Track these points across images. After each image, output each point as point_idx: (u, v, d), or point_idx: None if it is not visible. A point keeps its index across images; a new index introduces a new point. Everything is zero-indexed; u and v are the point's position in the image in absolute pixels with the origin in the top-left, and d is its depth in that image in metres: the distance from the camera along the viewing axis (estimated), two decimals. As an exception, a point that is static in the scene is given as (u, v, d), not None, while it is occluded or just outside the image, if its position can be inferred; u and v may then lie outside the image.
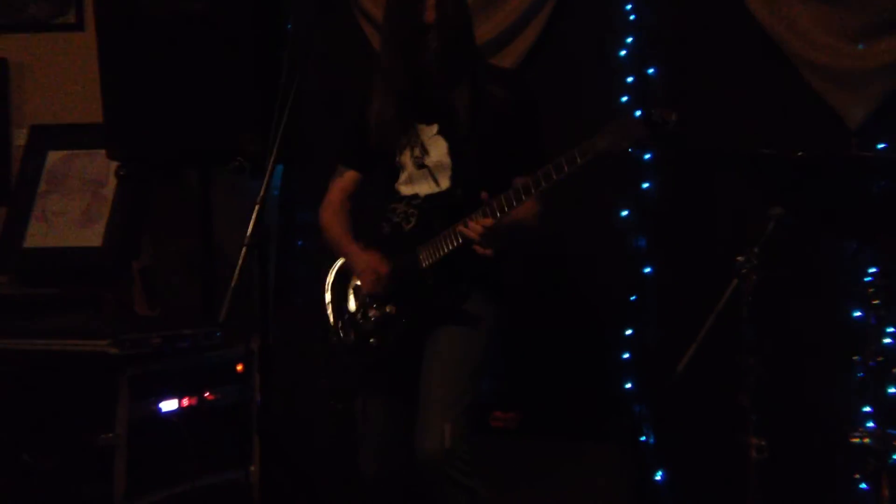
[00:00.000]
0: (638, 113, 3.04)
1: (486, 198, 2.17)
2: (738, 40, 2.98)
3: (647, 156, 3.08)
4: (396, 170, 2.40)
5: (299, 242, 3.48)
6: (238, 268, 2.05)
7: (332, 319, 2.47)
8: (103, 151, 3.19)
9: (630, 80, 3.09)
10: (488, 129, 2.29)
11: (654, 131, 2.00)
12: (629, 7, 3.09)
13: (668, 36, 3.07)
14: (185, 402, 2.77)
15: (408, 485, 2.37)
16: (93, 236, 3.31)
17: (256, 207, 2.12)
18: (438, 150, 2.33)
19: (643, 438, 3.01)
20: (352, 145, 2.51)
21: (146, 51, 3.00)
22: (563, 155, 2.07)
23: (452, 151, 2.32)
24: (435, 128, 2.34)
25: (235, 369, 2.94)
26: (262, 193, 2.14)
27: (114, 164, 3.20)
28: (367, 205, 2.53)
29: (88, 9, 3.56)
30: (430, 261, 2.29)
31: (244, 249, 2.09)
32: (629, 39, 3.09)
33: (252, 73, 2.95)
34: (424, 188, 2.35)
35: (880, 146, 2.74)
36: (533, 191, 2.13)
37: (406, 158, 2.37)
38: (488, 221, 2.15)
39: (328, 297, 2.50)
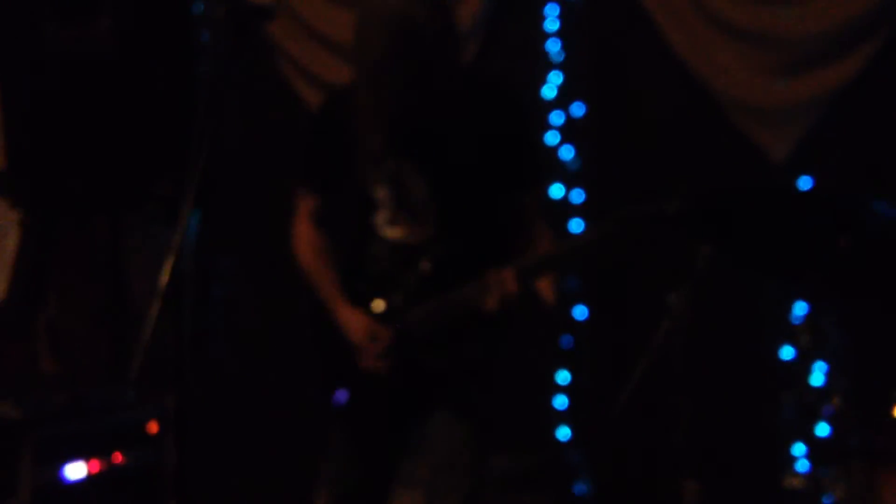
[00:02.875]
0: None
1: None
2: (662, 78, 3.01)
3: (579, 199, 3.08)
4: (372, 205, 2.17)
5: (216, 291, 3.36)
6: (151, 320, 1.92)
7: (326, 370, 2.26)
8: (5, 200, 3.06)
9: (557, 118, 3.09)
10: (475, 164, 2.09)
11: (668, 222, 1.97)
12: (553, 46, 3.10)
13: (593, 74, 3.09)
14: (94, 466, 2.61)
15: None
16: (-6, 290, 3.16)
17: (171, 256, 2.00)
18: (420, 190, 2.12)
19: (579, 488, 2.96)
20: (316, 167, 2.25)
21: (52, 96, 2.91)
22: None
23: (436, 191, 2.11)
24: (416, 165, 2.12)
25: (148, 429, 2.79)
26: (177, 241, 2.01)
27: (16, 214, 3.07)
28: (339, 231, 2.26)
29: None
30: (422, 329, 2.10)
31: (157, 301, 1.96)
32: (554, 78, 3.09)
33: (165, 117, 2.87)
34: (408, 232, 2.13)
35: (802, 181, 2.78)
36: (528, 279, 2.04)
37: (383, 195, 2.14)
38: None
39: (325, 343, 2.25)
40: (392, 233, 2.17)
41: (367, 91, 2.09)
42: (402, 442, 2.18)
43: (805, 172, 2.79)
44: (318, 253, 2.24)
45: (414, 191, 2.14)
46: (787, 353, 2.67)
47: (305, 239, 2.25)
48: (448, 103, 2.09)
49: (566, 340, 3.05)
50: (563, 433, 3.01)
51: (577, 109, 3.09)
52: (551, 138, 3.09)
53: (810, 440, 2.26)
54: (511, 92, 2.27)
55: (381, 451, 2.20)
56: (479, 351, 2.17)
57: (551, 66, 3.10)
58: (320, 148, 2.26)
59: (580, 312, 3.05)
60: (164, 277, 1.92)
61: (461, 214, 2.12)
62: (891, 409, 2.20)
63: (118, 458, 2.68)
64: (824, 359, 2.30)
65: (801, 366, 2.23)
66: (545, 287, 2.13)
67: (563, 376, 3.04)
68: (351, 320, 2.14)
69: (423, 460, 2.12)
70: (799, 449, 2.49)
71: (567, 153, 3.08)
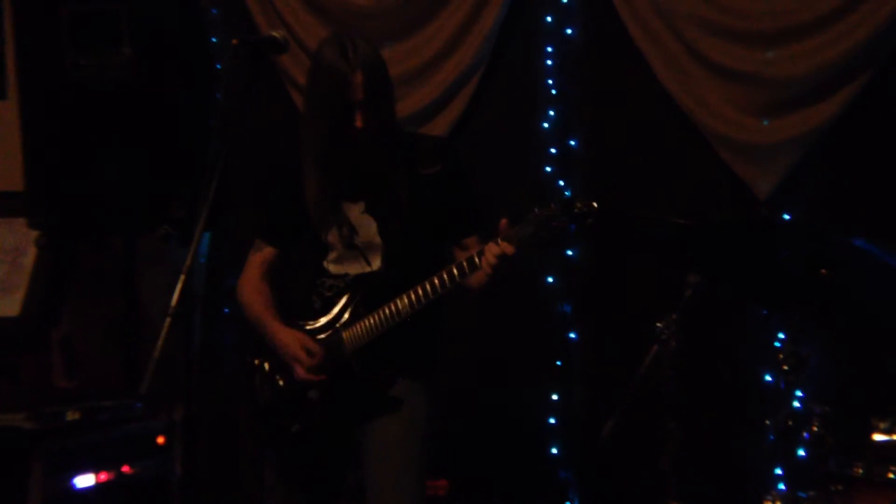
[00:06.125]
0: (566, 193, 3.14)
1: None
2: (653, 113, 3.12)
3: (572, 224, 3.16)
4: (324, 248, 2.34)
5: (226, 309, 3.44)
6: (162, 338, 2.01)
7: (258, 394, 2.38)
8: (23, 220, 3.14)
9: (553, 151, 3.21)
10: (419, 207, 2.26)
11: (576, 222, 2.02)
12: (551, 81, 3.22)
13: (588, 109, 3.20)
14: (102, 476, 2.68)
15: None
16: (11, 306, 3.21)
17: (182, 276, 2.09)
18: (368, 230, 2.28)
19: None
20: (272, 220, 2.44)
21: (70, 119, 2.99)
22: (486, 245, 2.06)
23: (382, 231, 2.27)
24: (362, 206, 2.29)
25: (156, 441, 2.86)
26: (188, 262, 2.11)
27: (34, 233, 3.15)
28: (294, 278, 2.45)
29: (11, 77, 3.52)
30: (356, 345, 2.24)
31: (168, 319, 2.05)
32: (551, 112, 3.21)
33: (180, 141, 2.96)
34: (355, 268, 2.30)
35: (786, 216, 2.88)
36: (458, 278, 2.13)
37: (334, 237, 2.31)
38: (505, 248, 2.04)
39: (257, 368, 2.39)
40: (337, 269, 2.33)
41: (315, 141, 2.25)
42: (345, 456, 2.29)
43: (787, 209, 2.90)
44: (257, 292, 2.39)
45: (362, 231, 2.29)
46: (769, 378, 2.77)
47: (249, 283, 2.41)
48: (390, 151, 2.25)
49: (559, 362, 3.14)
50: (555, 451, 3.09)
51: (572, 142, 3.20)
52: (547, 170, 3.21)
53: (790, 463, 2.34)
54: (450, 147, 2.43)
55: (326, 470, 2.30)
56: (411, 358, 2.28)
57: (548, 100, 3.21)
58: (276, 204, 2.42)
59: (572, 336, 3.15)
60: (175, 296, 2.02)
61: (406, 251, 2.26)
62: (867, 435, 2.28)
63: (126, 468, 2.75)
64: (803, 385, 2.39)
65: (783, 391, 2.30)
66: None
67: (554, 396, 3.12)
68: (286, 337, 2.28)
69: (367, 469, 2.23)
70: (779, 472, 2.57)
71: (562, 183, 3.20)
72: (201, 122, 2.99)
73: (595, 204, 2.01)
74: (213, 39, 3.48)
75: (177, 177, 2.92)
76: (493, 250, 2.06)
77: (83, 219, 3.05)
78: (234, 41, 2.10)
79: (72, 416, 2.66)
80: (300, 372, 2.25)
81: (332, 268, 2.33)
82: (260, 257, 2.43)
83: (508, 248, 2.04)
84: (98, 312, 3.40)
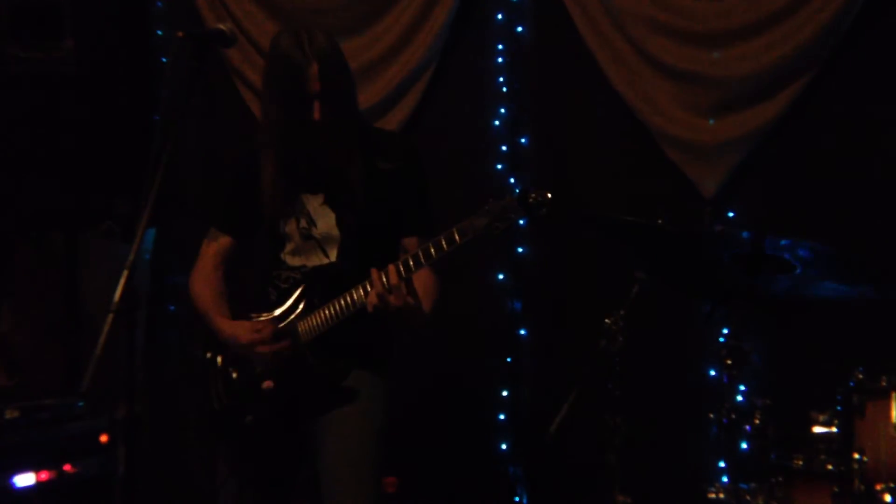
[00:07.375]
0: (516, 190, 3.15)
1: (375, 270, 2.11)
2: (603, 112, 3.15)
3: (522, 221, 3.18)
4: (281, 239, 2.32)
5: (171, 307, 3.39)
6: (103, 335, 1.97)
7: (211, 387, 2.35)
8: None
9: (504, 148, 3.22)
10: (377, 201, 2.25)
11: (531, 212, 2.03)
12: (501, 79, 3.24)
13: (538, 107, 3.23)
14: (43, 475, 2.63)
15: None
16: (-54, 304, 3.14)
17: (125, 272, 2.05)
18: (326, 222, 2.28)
19: (517, 499, 3.05)
20: (228, 209, 2.41)
21: (9, 111, 2.92)
22: (442, 234, 2.06)
23: (341, 223, 2.27)
24: (321, 198, 2.28)
25: (99, 440, 2.81)
26: (131, 257, 2.07)
27: (-28, 228, 3.08)
28: (251, 269, 2.42)
29: (-52, 67, 3.43)
30: (310, 336, 2.23)
31: (110, 316, 2.01)
32: (502, 110, 3.23)
33: (124, 135, 2.91)
34: (313, 260, 2.29)
35: (730, 214, 2.93)
36: (413, 269, 2.11)
37: (292, 229, 2.29)
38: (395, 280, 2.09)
39: (209, 361, 2.36)
40: (294, 261, 2.31)
41: (271, 132, 2.23)
42: (299, 449, 2.27)
43: (731, 206, 2.95)
44: (207, 284, 2.37)
45: (321, 223, 2.28)
46: (713, 373, 2.82)
47: (201, 274, 2.39)
48: (349, 143, 2.23)
49: (508, 359, 3.16)
50: (504, 447, 3.11)
51: (523, 140, 3.22)
52: (499, 167, 3.22)
53: (733, 456, 2.39)
54: (410, 144, 2.41)
55: (280, 464, 2.28)
56: (367, 350, 2.27)
57: (499, 98, 3.23)
58: (233, 192, 2.39)
59: (522, 332, 3.17)
60: (118, 292, 1.98)
61: (361, 244, 2.25)
62: (807, 428, 2.34)
63: (68, 467, 2.70)
64: (746, 379, 2.44)
65: (726, 385, 2.35)
66: (420, 287, 2.20)
67: (504, 393, 3.14)
68: (233, 327, 2.27)
69: (322, 462, 2.21)
70: (722, 464, 2.62)
71: (513, 181, 3.21)
72: (145, 115, 2.95)
73: (549, 194, 2.02)
74: (158, 32, 3.42)
75: (120, 171, 2.86)
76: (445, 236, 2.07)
77: (22, 214, 2.99)
78: (180, 34, 2.06)
79: (11, 414, 2.60)
80: (263, 350, 2.23)
81: (290, 259, 2.32)
82: (215, 247, 2.39)
83: (457, 236, 2.05)
84: (38, 310, 3.33)
